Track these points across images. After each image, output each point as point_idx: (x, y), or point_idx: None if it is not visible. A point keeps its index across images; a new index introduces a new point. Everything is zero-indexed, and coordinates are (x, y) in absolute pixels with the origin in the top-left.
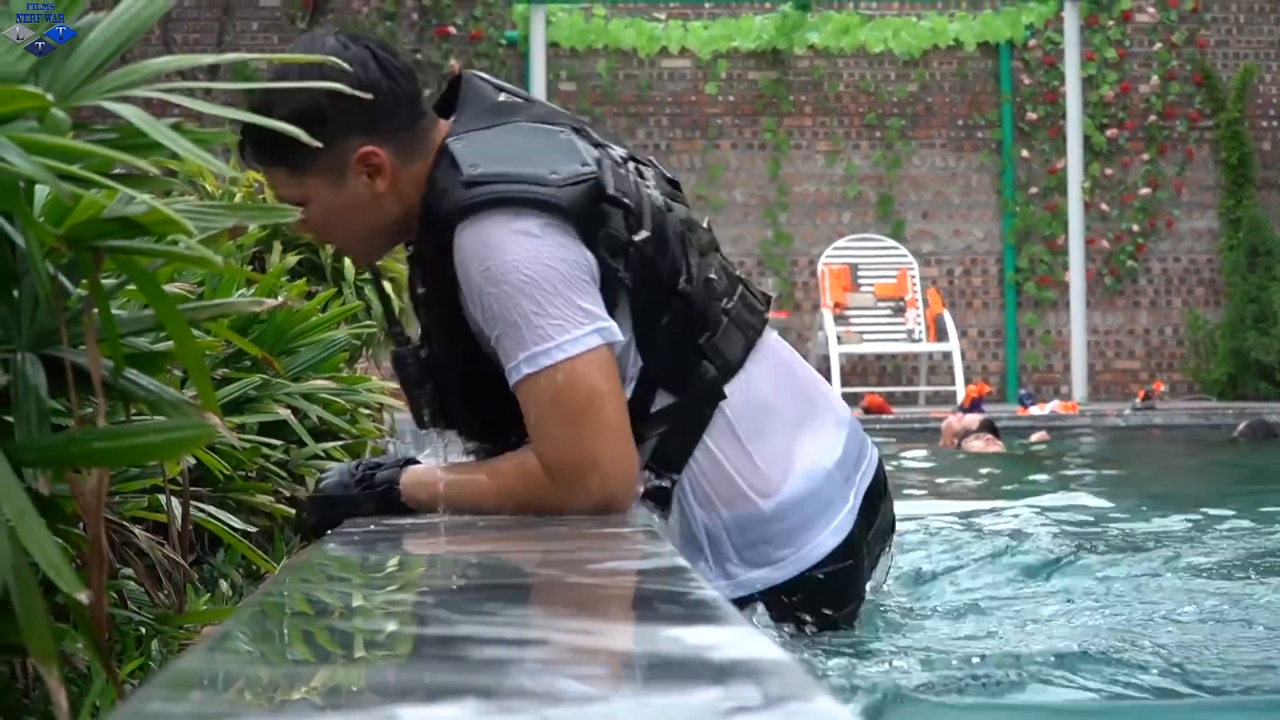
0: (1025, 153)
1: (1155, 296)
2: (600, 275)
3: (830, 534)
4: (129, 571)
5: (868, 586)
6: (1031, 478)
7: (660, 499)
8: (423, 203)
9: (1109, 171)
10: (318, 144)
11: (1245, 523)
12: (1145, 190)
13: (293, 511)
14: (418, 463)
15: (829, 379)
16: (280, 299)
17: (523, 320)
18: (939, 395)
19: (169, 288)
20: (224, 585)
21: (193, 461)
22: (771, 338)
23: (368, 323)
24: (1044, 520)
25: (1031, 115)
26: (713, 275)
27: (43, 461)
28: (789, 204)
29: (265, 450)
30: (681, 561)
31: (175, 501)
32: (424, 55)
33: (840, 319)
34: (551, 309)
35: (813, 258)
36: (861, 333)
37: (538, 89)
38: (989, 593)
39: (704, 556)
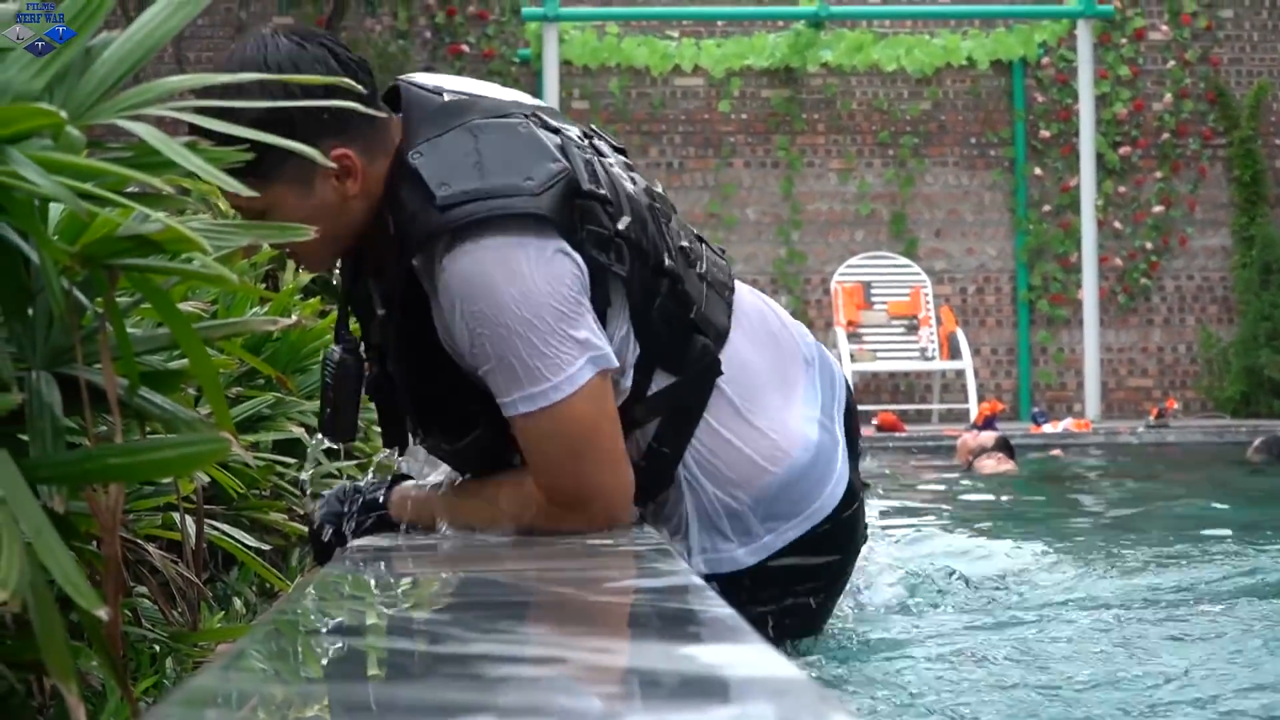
0: (1038, 170)
1: (1168, 314)
2: (590, 275)
3: (835, 483)
4: (143, 589)
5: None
6: (1044, 495)
7: (662, 470)
8: (391, 221)
9: (1122, 189)
10: (325, 156)
11: (1259, 542)
12: (1158, 208)
13: (306, 530)
14: (408, 476)
15: None
16: (294, 318)
17: (517, 361)
18: (952, 413)
19: (183, 306)
20: (238, 603)
21: (206, 480)
22: (741, 290)
23: None
24: (1054, 538)
25: (1045, 133)
26: (685, 243)
27: (58, 478)
28: (802, 222)
29: (279, 468)
30: (696, 579)
31: (189, 519)
32: (436, 73)
33: (853, 337)
34: (546, 348)
35: (826, 276)
36: (875, 351)
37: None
38: (995, 612)
39: (721, 533)
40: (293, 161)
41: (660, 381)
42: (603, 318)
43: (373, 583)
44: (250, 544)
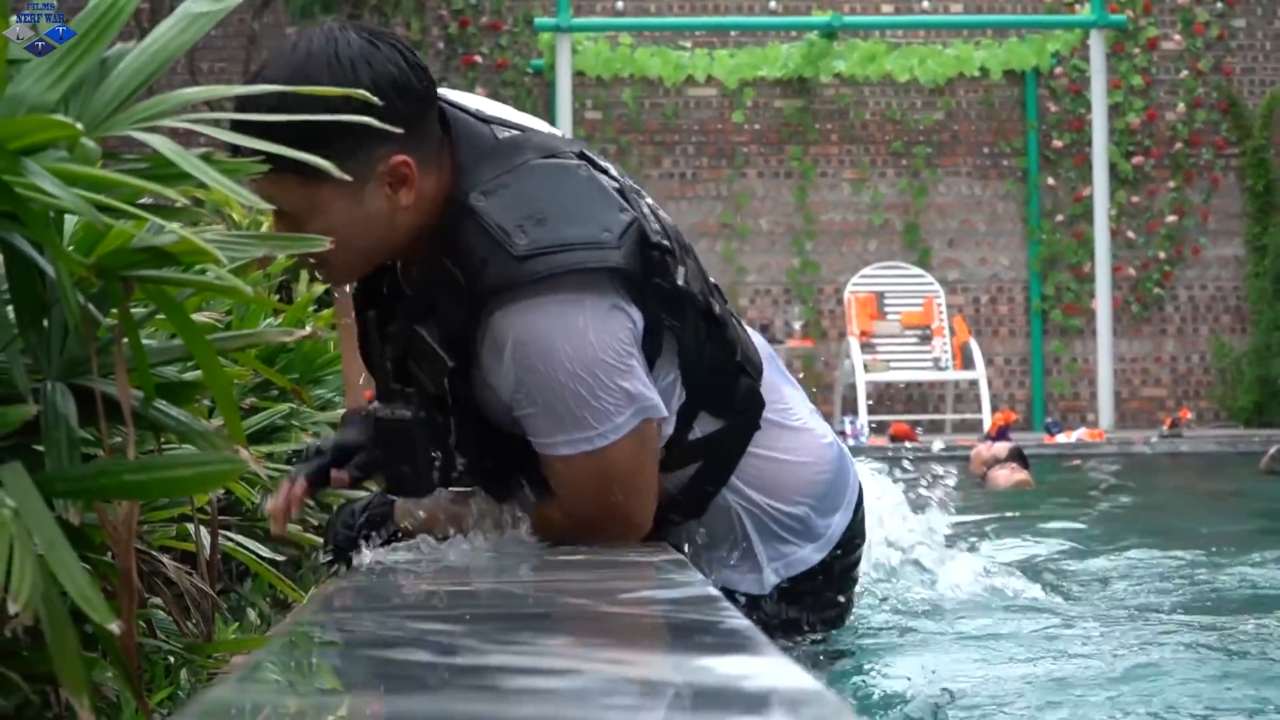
0: (1051, 180)
1: (1181, 324)
2: (645, 328)
3: (851, 490)
4: (157, 601)
5: None
6: (1057, 505)
7: (704, 500)
8: (453, 267)
9: (1135, 199)
10: (383, 162)
11: (1272, 551)
12: (1171, 218)
13: (320, 540)
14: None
15: (855, 407)
16: (308, 329)
17: (564, 410)
18: (965, 423)
19: (197, 317)
20: (252, 614)
21: (221, 491)
22: None
23: None
24: (1067, 548)
25: (1057, 143)
26: (708, 275)
27: (73, 492)
28: (815, 232)
29: None
30: (713, 590)
31: (203, 530)
32: (450, 84)
33: (867, 347)
34: (594, 400)
35: (839, 286)
36: (888, 361)
37: (564, 117)
38: (1005, 620)
39: (787, 540)
40: (351, 162)
41: (705, 425)
42: (651, 365)
43: (388, 594)
44: (264, 555)
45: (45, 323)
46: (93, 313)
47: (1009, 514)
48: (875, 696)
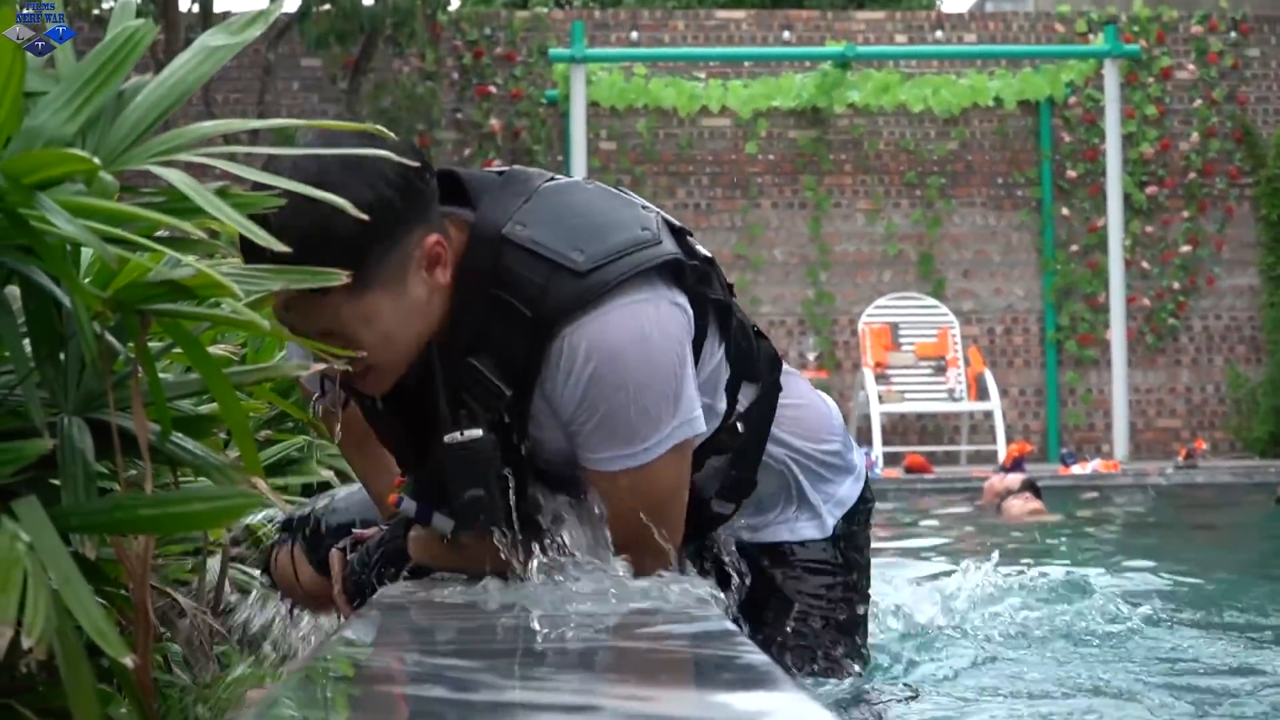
0: (1065, 210)
1: (1196, 354)
2: (695, 310)
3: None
4: (169, 635)
5: None
6: (1072, 536)
7: (750, 481)
8: (513, 300)
9: (1149, 229)
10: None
11: None
12: (1186, 248)
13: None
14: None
15: (870, 439)
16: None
17: (621, 419)
18: (980, 454)
19: (212, 349)
20: (267, 648)
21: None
22: None
23: None
24: (1083, 580)
25: (1071, 173)
26: None
27: (89, 527)
28: (830, 263)
29: None
30: (730, 625)
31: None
32: (464, 115)
33: (881, 378)
34: (653, 408)
35: (853, 317)
36: (903, 392)
37: (578, 148)
38: (1020, 654)
39: (830, 479)
40: (390, 260)
41: (747, 394)
42: (699, 348)
43: (405, 629)
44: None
45: (62, 356)
46: (110, 345)
47: (1024, 545)
48: None
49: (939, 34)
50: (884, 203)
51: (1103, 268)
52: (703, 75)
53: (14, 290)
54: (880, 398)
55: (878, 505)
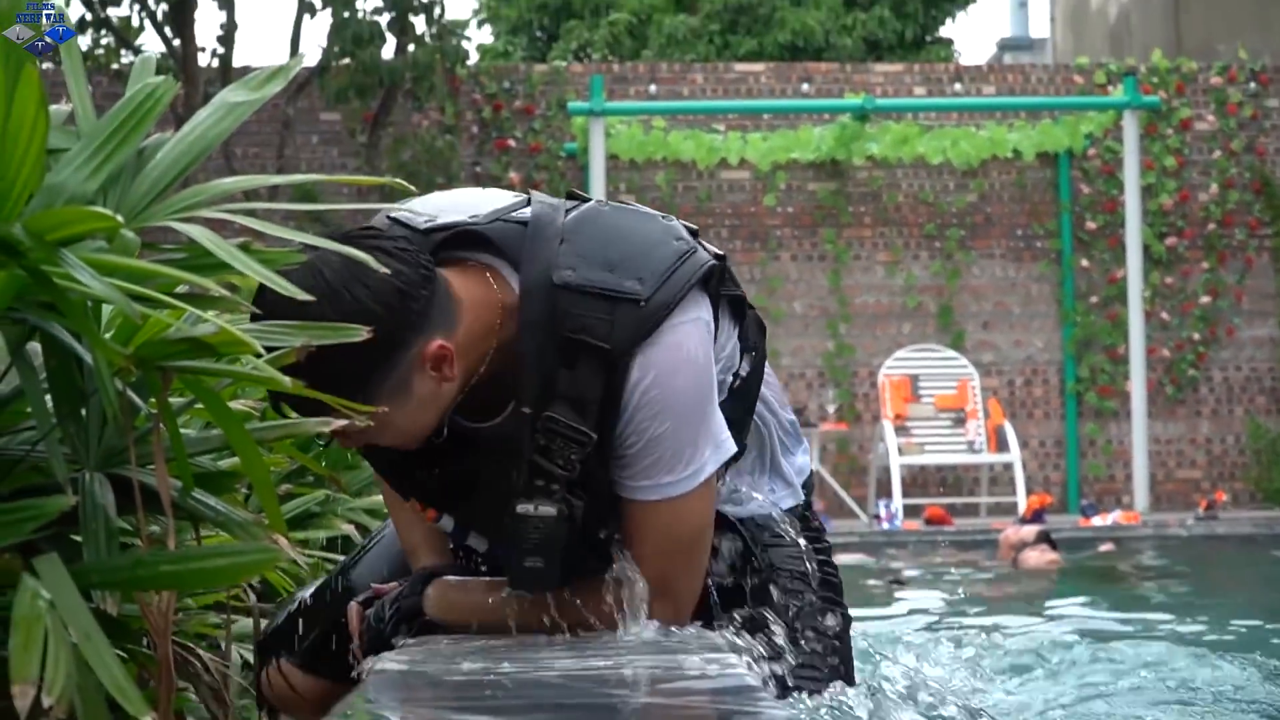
0: (1085, 262)
1: (1217, 405)
2: (713, 308)
3: None
4: (191, 688)
5: None
6: (1092, 589)
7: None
8: (586, 344)
9: (1169, 280)
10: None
11: None
12: (1205, 299)
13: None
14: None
15: (890, 491)
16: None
17: (668, 443)
18: (1000, 506)
19: (232, 404)
20: None
21: (257, 578)
22: None
23: None
24: (1102, 629)
25: (1091, 224)
26: None
27: (110, 584)
28: (850, 315)
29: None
30: (751, 680)
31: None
32: (484, 168)
33: (901, 430)
34: (695, 435)
35: (873, 369)
36: (922, 444)
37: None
38: (1047, 702)
39: (792, 449)
40: (392, 378)
41: (746, 366)
42: (716, 324)
43: (422, 683)
44: None
45: (84, 412)
46: (132, 402)
47: (1040, 592)
48: None
49: (958, 86)
50: (903, 254)
51: (1122, 319)
52: (721, 128)
53: (36, 346)
54: (900, 450)
55: (894, 554)
